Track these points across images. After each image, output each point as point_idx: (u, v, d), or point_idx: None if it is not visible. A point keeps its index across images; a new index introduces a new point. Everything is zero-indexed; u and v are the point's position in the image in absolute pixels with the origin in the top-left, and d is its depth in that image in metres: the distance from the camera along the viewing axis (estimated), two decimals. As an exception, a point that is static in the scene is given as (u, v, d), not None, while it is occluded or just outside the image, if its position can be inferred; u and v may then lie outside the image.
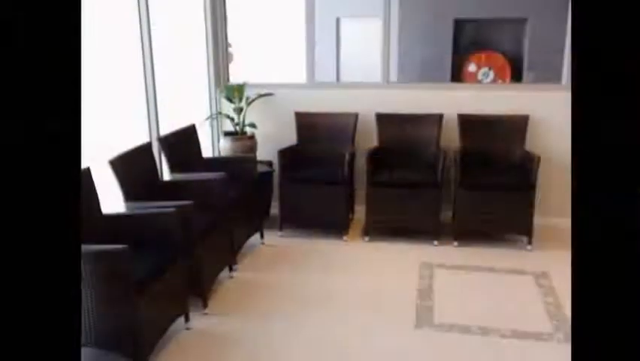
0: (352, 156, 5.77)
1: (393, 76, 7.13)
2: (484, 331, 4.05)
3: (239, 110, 6.11)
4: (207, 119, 6.31)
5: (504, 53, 11.66)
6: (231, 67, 6.67)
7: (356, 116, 6.02)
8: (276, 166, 5.86)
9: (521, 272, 4.98)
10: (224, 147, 6.03)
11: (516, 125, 5.78)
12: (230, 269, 4.99)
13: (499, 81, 11.49)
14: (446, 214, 5.71)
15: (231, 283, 4.86)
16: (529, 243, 5.42)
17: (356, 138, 6.01)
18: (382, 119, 5.98)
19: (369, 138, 5.99)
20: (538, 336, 3.99)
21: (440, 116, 5.85)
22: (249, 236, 5.49)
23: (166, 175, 5.09)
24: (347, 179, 5.62)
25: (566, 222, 5.65)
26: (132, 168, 4.42)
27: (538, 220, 5.53)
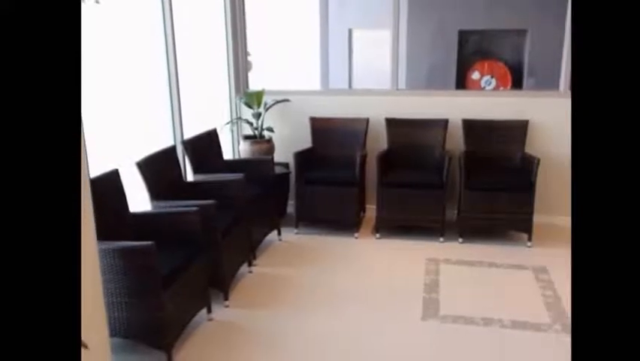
0: (363, 158, 5.75)
1: (402, 83, 7.13)
2: (487, 322, 4.03)
3: (257, 116, 6.10)
4: (228, 123, 6.31)
5: (505, 62, 11.63)
6: (250, 75, 6.67)
7: (367, 120, 6.00)
8: (292, 168, 5.86)
9: (522, 267, 4.95)
10: (244, 150, 6.04)
11: (517, 130, 5.75)
12: (250, 264, 5.00)
13: (501, 88, 11.45)
14: (451, 213, 5.69)
15: (250, 277, 4.87)
16: (530, 240, 5.38)
17: (367, 142, 6.00)
18: (392, 123, 5.96)
19: (379, 142, 5.98)
20: (537, 327, 3.97)
21: (446, 121, 5.83)
22: (266, 233, 5.49)
23: (189, 176, 5.10)
24: (358, 180, 5.61)
25: (563, 220, 5.69)
26: (158, 169, 4.43)
27: (537, 218, 5.49)
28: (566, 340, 3.76)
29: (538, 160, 5.25)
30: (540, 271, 4.85)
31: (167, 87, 5.07)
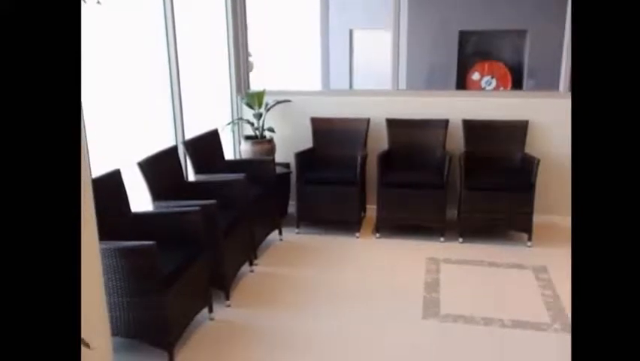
0: (364, 158, 5.75)
1: (403, 84, 7.12)
2: (487, 321, 4.03)
3: (258, 116, 6.10)
4: (229, 124, 6.31)
5: (505, 63, 11.62)
6: (251, 75, 6.67)
7: (368, 121, 6.00)
8: (293, 168, 5.85)
9: (521, 267, 4.94)
10: (245, 150, 6.03)
11: (517, 130, 5.74)
12: (251, 264, 5.00)
13: (501, 89, 11.45)
14: (452, 213, 5.68)
15: (252, 277, 4.86)
16: (529, 239, 5.38)
17: (368, 142, 5.99)
18: (392, 124, 5.96)
19: (380, 142, 5.97)
20: (537, 326, 3.96)
21: (446, 122, 5.83)
22: (268, 233, 5.48)
23: (191, 176, 5.10)
24: (359, 180, 5.60)
25: (563, 220, 5.69)
26: (159, 169, 4.43)
27: (537, 218, 5.49)
28: (566, 339, 3.76)
29: (538, 160, 5.25)
30: (540, 270, 4.84)
31: (169, 88, 5.07)
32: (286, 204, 6.24)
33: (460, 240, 5.49)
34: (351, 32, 12.08)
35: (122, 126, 4.54)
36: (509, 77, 11.52)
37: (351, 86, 11.94)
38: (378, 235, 5.67)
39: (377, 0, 10.34)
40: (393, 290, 4.57)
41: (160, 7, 4.91)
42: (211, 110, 6.14)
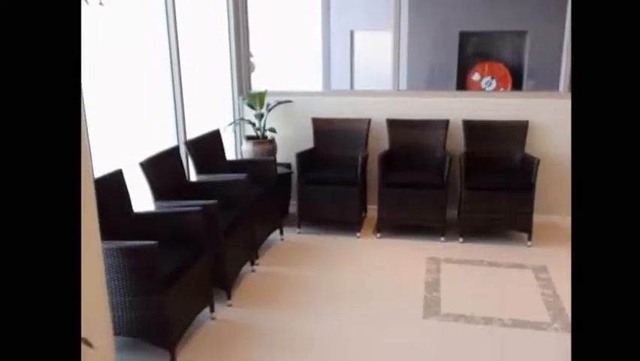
0: (365, 158, 5.75)
1: (403, 84, 7.10)
2: (487, 320, 4.03)
3: (260, 116, 6.10)
4: (231, 124, 6.30)
5: (505, 63, 11.62)
6: (253, 76, 6.67)
7: (369, 121, 6.00)
8: (294, 168, 5.85)
9: (522, 266, 4.94)
10: (247, 150, 6.03)
11: (517, 130, 5.74)
12: (252, 264, 4.99)
13: (501, 89, 11.45)
14: (452, 213, 5.68)
15: (253, 276, 4.86)
16: (529, 239, 5.37)
17: (368, 142, 5.99)
18: (393, 124, 5.96)
19: (380, 142, 5.97)
20: (537, 325, 3.96)
21: (446, 122, 5.83)
22: (269, 233, 5.48)
23: (192, 176, 5.09)
24: (360, 180, 5.60)
25: (563, 220, 5.68)
26: (161, 169, 4.43)
27: (537, 218, 5.49)
28: (566, 339, 3.75)
29: (538, 161, 5.24)
30: (540, 270, 4.84)
31: (171, 88, 5.07)
32: (287, 204, 6.24)
33: (461, 240, 5.49)
34: (352, 33, 12.07)
35: (125, 127, 4.54)
36: (509, 78, 11.51)
37: (352, 86, 11.93)
38: (378, 234, 5.66)
39: (378, 1, 10.33)
40: (394, 290, 4.57)
41: (162, 8, 4.91)
42: (213, 111, 6.14)
